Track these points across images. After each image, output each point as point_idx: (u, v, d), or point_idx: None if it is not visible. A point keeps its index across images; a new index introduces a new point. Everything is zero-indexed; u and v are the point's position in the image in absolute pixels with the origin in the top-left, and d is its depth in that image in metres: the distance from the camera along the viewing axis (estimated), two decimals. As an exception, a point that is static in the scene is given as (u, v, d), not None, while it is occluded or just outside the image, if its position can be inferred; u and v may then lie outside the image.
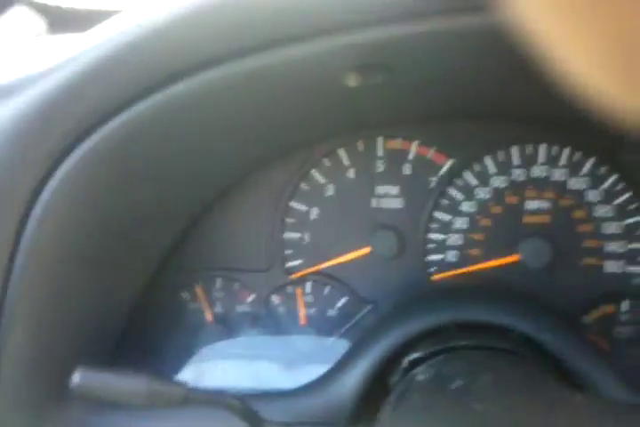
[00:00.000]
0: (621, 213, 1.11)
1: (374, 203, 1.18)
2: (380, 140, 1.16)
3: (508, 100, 1.05)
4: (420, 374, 0.82)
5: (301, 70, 0.75)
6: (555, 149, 1.12)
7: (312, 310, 1.18)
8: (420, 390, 0.74)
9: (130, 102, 0.70)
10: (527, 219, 1.14)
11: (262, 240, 1.19)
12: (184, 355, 1.13)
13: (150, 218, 1.02)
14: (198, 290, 1.20)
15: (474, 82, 0.91)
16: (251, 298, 1.19)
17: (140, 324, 1.14)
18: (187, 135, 0.89)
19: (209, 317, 1.18)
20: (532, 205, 1.14)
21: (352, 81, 0.75)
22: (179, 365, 1.12)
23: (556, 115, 1.09)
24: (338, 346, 1.06)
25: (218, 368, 1.08)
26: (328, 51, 0.69)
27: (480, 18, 0.66)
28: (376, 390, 0.87)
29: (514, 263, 1.13)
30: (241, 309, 1.19)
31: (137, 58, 0.67)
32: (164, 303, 1.19)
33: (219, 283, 1.20)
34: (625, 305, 1.10)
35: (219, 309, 1.20)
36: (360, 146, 1.17)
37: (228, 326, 1.17)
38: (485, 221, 1.15)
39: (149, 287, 1.15)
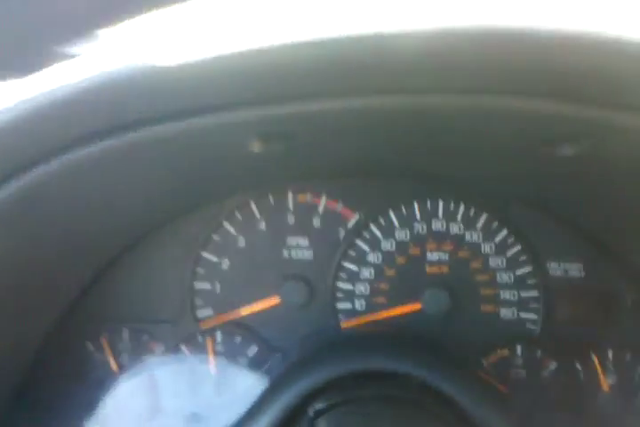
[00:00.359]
0: (513, 264, 1.20)
1: (285, 253, 1.22)
2: (290, 194, 1.22)
3: (409, 162, 1.13)
4: (323, 424, 0.84)
5: (208, 138, 0.78)
6: (451, 204, 1.21)
7: (222, 360, 1.18)
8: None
9: (31, 165, 0.70)
10: (429, 269, 1.21)
11: (172, 290, 1.20)
12: (87, 408, 1.10)
13: (55, 271, 1.01)
14: (103, 341, 1.18)
15: (373, 146, 0.98)
16: (159, 349, 1.18)
17: (41, 375, 1.11)
18: (92, 196, 0.89)
19: (114, 367, 1.16)
20: (432, 256, 1.21)
21: (256, 148, 0.80)
22: (81, 419, 1.09)
23: (451, 174, 1.18)
24: (248, 395, 1.07)
25: (121, 424, 1.06)
26: (232, 122, 0.72)
27: (375, 99, 0.72)
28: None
29: (416, 311, 1.18)
30: (149, 360, 1.17)
31: (38, 124, 0.68)
32: (68, 354, 1.16)
33: (125, 334, 1.19)
34: (519, 349, 1.17)
35: (126, 360, 1.18)
36: (271, 199, 1.22)
37: (137, 378, 1.15)
38: (390, 272, 1.21)
39: (53, 338, 1.12)
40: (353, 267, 1.22)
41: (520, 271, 1.20)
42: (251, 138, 0.77)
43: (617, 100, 0.65)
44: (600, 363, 1.15)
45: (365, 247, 1.22)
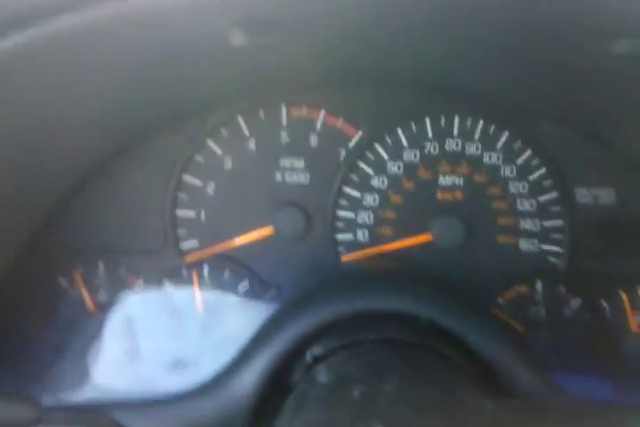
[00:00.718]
0: (535, 189, 1.06)
1: (278, 177, 1.07)
2: (283, 108, 1.05)
3: (421, 67, 0.96)
4: (322, 374, 0.73)
5: (180, 24, 0.62)
6: (469, 121, 1.05)
7: (210, 296, 1.07)
8: (319, 398, 0.66)
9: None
10: (441, 195, 1.07)
11: (152, 218, 1.07)
12: (59, 350, 1.00)
13: (16, 193, 0.87)
14: (77, 275, 1.05)
15: (378, 45, 0.81)
16: (139, 283, 1.06)
17: (8, 313, 1.00)
18: (52, 93, 0.74)
19: (90, 305, 1.05)
20: (445, 180, 1.07)
21: (237, 39, 0.64)
22: (51, 362, 0.99)
23: (469, 85, 1.02)
24: (238, 337, 0.96)
25: (96, 369, 0.96)
26: (206, 3, 0.56)
27: None
28: (276, 389, 0.78)
29: (426, 243, 1.06)
30: (128, 296, 1.06)
31: None
32: (38, 291, 1.04)
33: (101, 267, 1.06)
34: (539, 285, 1.06)
35: (102, 296, 1.06)
36: (261, 114, 1.06)
37: (113, 316, 1.03)
38: (397, 198, 1.08)
39: (20, 272, 1.01)
40: (355, 193, 1.08)
41: (544, 198, 1.06)
42: (230, 26, 0.61)
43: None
44: (629, 301, 1.04)
45: (369, 170, 1.08)
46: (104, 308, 1.05)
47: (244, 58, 0.78)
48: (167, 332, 1.02)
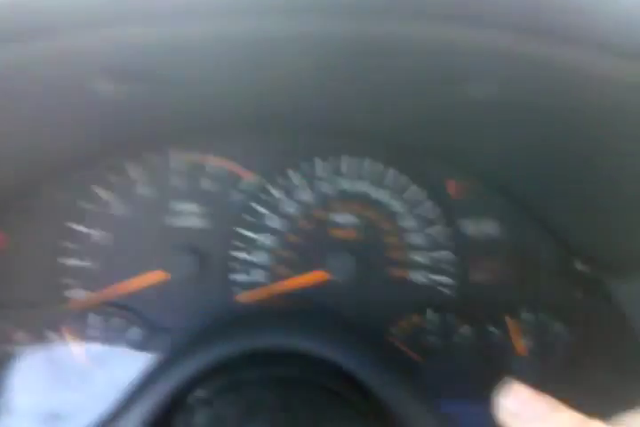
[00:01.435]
0: (423, 223, 1.10)
1: (169, 221, 1.06)
2: (170, 152, 1.06)
3: (306, 111, 1.00)
4: (201, 415, 0.72)
5: (44, 72, 0.62)
6: (356, 160, 1.09)
7: (95, 345, 1.03)
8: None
9: None
10: (334, 233, 1.09)
11: (35, 269, 1.02)
12: None
13: None
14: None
15: (261, 91, 0.83)
16: (19, 336, 1.01)
17: None
18: None
19: (-36, 362, 0.98)
20: (338, 218, 1.09)
21: (102, 86, 0.64)
22: None
23: (356, 126, 1.06)
24: (123, 387, 0.92)
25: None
26: (70, 50, 0.57)
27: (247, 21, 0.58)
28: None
29: (322, 280, 1.07)
30: (8, 349, 1.00)
31: None
32: None
33: (-19, 322, 1.01)
34: (430, 314, 1.09)
35: (-19, 353, 1.00)
36: (149, 158, 1.05)
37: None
38: (292, 237, 1.09)
39: None
40: (250, 233, 1.08)
41: (431, 230, 1.10)
42: (94, 74, 0.61)
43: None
44: (514, 325, 1.09)
45: (263, 210, 1.09)
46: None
47: (121, 105, 0.78)
48: (45, 384, 0.97)
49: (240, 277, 1.08)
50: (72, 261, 1.04)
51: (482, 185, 1.10)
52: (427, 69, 0.70)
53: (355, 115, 1.01)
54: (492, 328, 1.09)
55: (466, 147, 1.03)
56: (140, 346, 1.03)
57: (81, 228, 1.04)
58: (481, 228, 1.11)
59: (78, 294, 1.04)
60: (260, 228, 1.09)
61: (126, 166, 1.05)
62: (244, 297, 1.07)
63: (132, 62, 0.65)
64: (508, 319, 1.09)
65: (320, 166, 1.09)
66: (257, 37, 0.61)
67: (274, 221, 1.09)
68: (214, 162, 1.07)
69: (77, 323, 1.02)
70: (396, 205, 1.11)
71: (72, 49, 0.58)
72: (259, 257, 1.09)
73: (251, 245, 1.08)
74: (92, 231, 1.04)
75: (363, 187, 1.10)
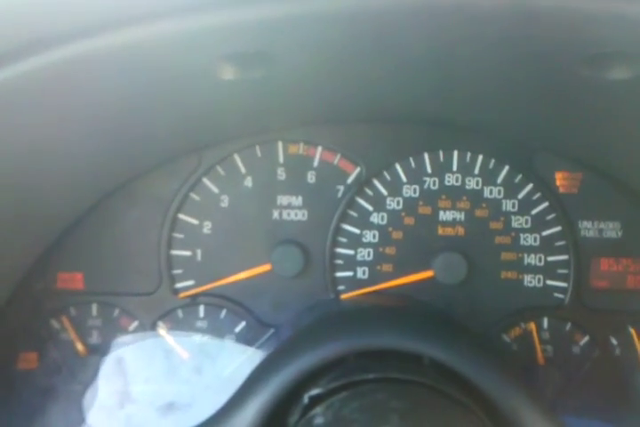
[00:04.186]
0: (538, 224, 1.04)
1: (275, 215, 1.05)
2: (279, 145, 1.05)
3: (418, 103, 0.96)
4: (319, 415, 0.70)
5: (169, 55, 0.62)
6: (468, 155, 1.05)
7: (206, 337, 1.04)
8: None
9: None
10: (442, 231, 1.05)
11: (146, 259, 1.04)
12: (50, 394, 0.97)
13: (11, 233, 0.86)
14: (64, 319, 1.03)
15: (374, 80, 0.81)
16: (133, 325, 1.03)
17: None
18: (42, 137, 0.74)
19: (80, 349, 1.01)
20: (446, 215, 1.05)
21: (228, 73, 0.63)
22: (40, 407, 0.95)
23: (467, 120, 1.02)
24: (234, 379, 0.93)
25: (87, 413, 0.92)
26: (190, 34, 0.56)
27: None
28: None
29: (427, 280, 1.03)
30: (122, 338, 1.03)
31: None
32: (29, 333, 1.02)
33: (94, 309, 1.04)
34: (545, 321, 1.03)
35: (94, 339, 1.03)
36: (258, 151, 1.05)
37: (105, 359, 1.00)
38: (397, 234, 1.06)
39: (10, 314, 0.98)
40: (354, 229, 1.06)
41: (547, 232, 1.04)
42: (219, 59, 0.60)
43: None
44: (638, 336, 1.00)
45: (368, 206, 1.06)
46: (96, 351, 1.01)
47: (236, 93, 0.77)
48: (160, 375, 0.99)
49: (345, 275, 1.06)
50: (183, 253, 1.05)
51: (602, 183, 1.02)
52: (565, 50, 0.65)
53: (471, 110, 0.97)
54: (613, 340, 1.01)
55: (579, 135, 0.96)
56: (248, 339, 1.03)
57: (191, 219, 1.05)
58: (600, 230, 1.04)
59: (188, 285, 1.05)
60: (366, 224, 1.06)
61: (235, 159, 1.05)
62: (349, 295, 1.05)
63: (256, 47, 0.63)
64: (631, 330, 1.01)
65: (429, 161, 1.05)
66: (372, 16, 0.58)
67: (378, 218, 1.06)
68: (322, 155, 1.05)
69: (188, 314, 1.03)
70: (510, 205, 1.05)
71: (195, 33, 0.57)
72: (363, 254, 1.06)
73: (355, 241, 1.06)
74: (201, 223, 1.05)
75: (474, 184, 1.05)
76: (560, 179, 1.04)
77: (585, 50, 0.65)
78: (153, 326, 1.03)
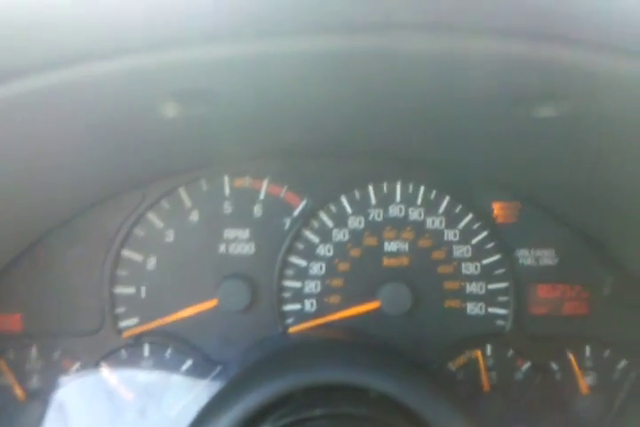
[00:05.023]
0: (479, 253, 1.07)
1: (222, 248, 1.05)
2: (225, 179, 1.05)
3: (361, 137, 0.98)
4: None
5: (112, 92, 0.62)
6: (410, 187, 1.07)
7: (150, 377, 1.01)
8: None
9: None
10: (387, 262, 1.07)
11: (88, 297, 1.01)
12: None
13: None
14: (1, 362, 0.98)
15: (316, 116, 0.82)
16: (75, 367, 1.00)
17: None
18: None
19: (19, 393, 0.97)
20: (390, 246, 1.07)
21: (169, 110, 0.63)
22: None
23: (411, 153, 1.05)
24: (180, 420, 0.90)
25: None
26: (136, 71, 0.56)
27: (318, 42, 0.57)
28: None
29: (374, 311, 1.04)
30: (64, 381, 0.99)
31: None
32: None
33: (34, 352, 1.00)
34: (489, 349, 1.05)
35: (34, 383, 0.99)
36: (203, 185, 1.05)
37: (46, 404, 0.96)
38: (344, 266, 1.07)
39: None
40: (301, 262, 1.06)
41: (487, 260, 1.08)
42: (160, 97, 0.60)
43: (602, 38, 0.53)
44: (577, 361, 1.04)
45: (315, 238, 1.07)
46: (36, 396, 0.98)
47: (179, 130, 0.77)
48: (103, 419, 0.96)
49: (292, 308, 1.06)
50: (126, 290, 1.03)
51: (532, 207, 1.07)
52: (500, 89, 0.68)
53: (412, 144, 1.00)
54: (553, 365, 1.04)
55: (514, 166, 1.00)
56: (195, 378, 1.01)
57: (135, 255, 1.03)
58: (537, 257, 1.08)
59: (132, 323, 1.02)
60: (312, 256, 1.07)
61: (181, 193, 1.04)
62: (296, 328, 1.05)
63: (197, 85, 0.64)
64: (570, 355, 1.04)
65: (373, 193, 1.07)
66: (315, 55, 0.60)
67: (325, 249, 1.07)
68: (269, 188, 1.05)
69: (132, 354, 1.01)
70: (451, 234, 1.08)
71: (142, 69, 0.58)
72: (310, 286, 1.06)
73: (303, 273, 1.06)
74: (145, 259, 1.03)
75: (417, 215, 1.08)
76: (497, 209, 1.08)
77: (512, 92, 0.68)
78: (96, 367, 1.00)
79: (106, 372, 1.00)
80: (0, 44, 0.51)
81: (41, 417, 0.96)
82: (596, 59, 0.58)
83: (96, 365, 1.00)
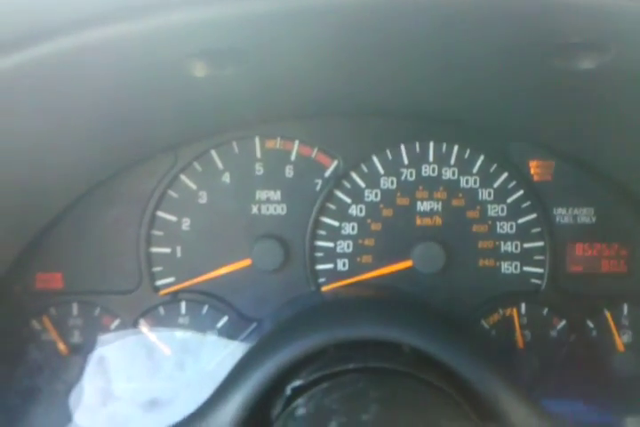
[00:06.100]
0: (514, 212, 1.06)
1: (254, 210, 1.06)
2: (257, 140, 1.05)
3: (394, 96, 0.97)
4: (301, 406, 0.71)
5: (142, 52, 0.62)
6: (443, 146, 1.06)
7: (188, 333, 1.04)
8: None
9: None
10: (419, 221, 1.06)
11: (126, 257, 1.04)
12: (33, 394, 0.97)
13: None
14: (45, 319, 1.02)
15: (347, 75, 0.81)
16: (115, 324, 1.03)
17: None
18: (13, 139, 0.73)
19: (62, 348, 1.01)
20: (423, 206, 1.06)
21: (199, 70, 0.63)
22: (26, 407, 0.95)
23: (442, 111, 1.03)
24: (216, 375, 0.93)
25: (70, 412, 0.92)
26: (163, 31, 0.56)
27: None
28: (256, 425, 0.75)
29: (407, 270, 1.05)
30: (104, 337, 1.02)
31: None
32: (9, 334, 1.01)
33: (75, 308, 1.03)
34: (523, 307, 1.05)
35: (76, 338, 1.03)
36: (235, 147, 1.05)
37: (88, 358, 1.00)
38: (376, 226, 1.07)
39: None
40: (333, 222, 1.07)
41: (523, 220, 1.06)
42: (190, 56, 0.60)
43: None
44: (614, 320, 1.03)
45: (346, 199, 1.07)
46: (78, 350, 1.01)
47: (209, 90, 0.77)
48: (142, 372, 0.99)
49: (325, 267, 1.07)
50: (162, 250, 1.05)
51: (574, 171, 1.04)
52: (535, 40, 0.66)
53: (444, 101, 0.98)
54: (589, 323, 1.03)
55: (551, 123, 0.98)
56: (230, 334, 1.03)
57: (169, 216, 1.05)
58: (575, 216, 1.06)
59: (168, 282, 1.05)
60: (344, 216, 1.07)
61: (213, 155, 1.05)
62: (329, 287, 1.06)
63: (227, 43, 0.64)
64: (607, 313, 1.03)
65: (406, 153, 1.06)
66: (344, 11, 0.59)
67: (357, 210, 1.07)
68: (299, 150, 1.05)
69: (169, 311, 1.04)
70: (486, 194, 1.06)
71: (167, 30, 0.57)
72: (343, 246, 1.07)
73: (335, 234, 1.07)
74: (180, 220, 1.05)
75: (450, 174, 1.07)
76: (534, 167, 1.06)
77: (553, 40, 0.66)
78: (134, 324, 1.04)
79: (144, 328, 1.03)
80: (28, 5, 0.52)
81: (83, 371, 1.00)
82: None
83: (135, 322, 1.04)
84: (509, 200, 1.06)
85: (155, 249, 1.05)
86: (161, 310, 1.05)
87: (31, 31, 0.56)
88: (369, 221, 1.07)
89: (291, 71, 0.80)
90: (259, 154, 1.05)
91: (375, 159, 1.06)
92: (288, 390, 0.77)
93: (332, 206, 1.07)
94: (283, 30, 0.63)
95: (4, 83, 0.59)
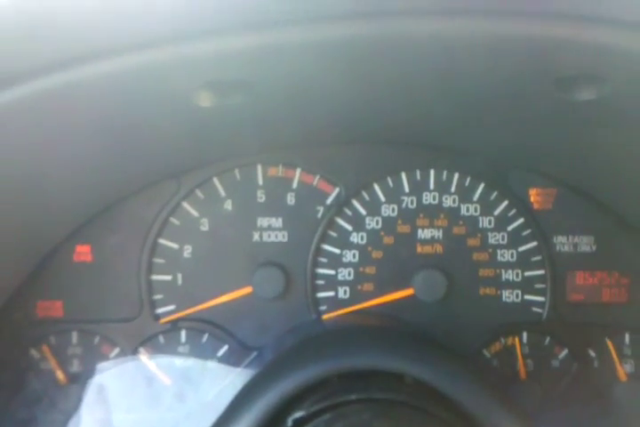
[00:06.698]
0: (514, 240, 1.06)
1: (256, 237, 1.06)
2: (259, 168, 1.06)
3: (394, 124, 0.98)
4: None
5: (148, 84, 0.63)
6: (444, 174, 1.06)
7: (189, 362, 1.03)
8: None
9: None
10: (420, 249, 1.07)
11: (126, 284, 1.04)
12: (30, 425, 0.95)
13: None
14: (44, 347, 1.01)
15: (350, 104, 0.82)
16: (114, 353, 1.03)
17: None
18: (22, 169, 0.74)
19: (61, 377, 1.00)
20: (424, 233, 1.06)
21: (206, 100, 0.64)
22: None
23: (443, 140, 1.04)
24: (217, 405, 0.92)
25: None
26: (172, 63, 0.57)
27: (351, 28, 0.57)
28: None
29: (408, 298, 1.04)
30: (103, 365, 1.01)
31: None
32: (7, 364, 1.00)
33: (75, 337, 1.03)
34: (525, 336, 1.04)
35: (75, 367, 1.02)
36: (237, 174, 1.06)
37: (86, 387, 0.99)
38: (377, 254, 1.07)
39: None
40: (334, 249, 1.07)
41: (523, 248, 1.06)
42: (196, 86, 0.61)
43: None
44: (615, 349, 1.02)
45: (348, 226, 1.07)
46: (77, 379, 1.00)
47: (214, 119, 0.78)
48: (142, 403, 0.98)
49: (326, 295, 1.06)
50: (163, 277, 1.05)
51: (575, 199, 1.05)
52: (537, 73, 0.67)
53: (446, 130, 0.99)
54: (591, 352, 1.03)
55: (552, 152, 0.99)
56: (231, 363, 1.02)
57: (171, 243, 1.05)
58: (575, 244, 1.06)
59: (169, 310, 1.04)
60: (346, 244, 1.07)
61: (215, 182, 1.05)
62: (330, 315, 1.05)
63: (234, 75, 0.65)
64: (608, 343, 1.03)
65: (406, 181, 1.07)
66: (350, 44, 0.60)
67: (358, 237, 1.07)
68: (301, 177, 1.06)
69: (169, 340, 1.03)
70: (486, 221, 1.07)
71: (176, 62, 0.58)
72: (344, 274, 1.07)
73: (336, 261, 1.07)
74: (181, 247, 1.05)
75: (450, 202, 1.07)
76: (534, 195, 1.07)
77: (553, 73, 0.67)
78: (134, 353, 1.03)
79: (144, 357, 1.02)
80: (42, 36, 0.53)
81: (81, 400, 0.99)
82: (635, 39, 0.57)
83: (134, 350, 1.03)
84: (510, 228, 1.06)
85: (155, 277, 1.05)
86: (161, 338, 1.04)
87: (39, 64, 0.57)
88: (370, 248, 1.07)
89: (294, 102, 0.81)
90: (261, 181, 1.06)
91: (376, 187, 1.07)
92: (289, 422, 0.76)
93: (334, 234, 1.07)
94: (288, 64, 0.64)
95: (11, 114, 0.59)
